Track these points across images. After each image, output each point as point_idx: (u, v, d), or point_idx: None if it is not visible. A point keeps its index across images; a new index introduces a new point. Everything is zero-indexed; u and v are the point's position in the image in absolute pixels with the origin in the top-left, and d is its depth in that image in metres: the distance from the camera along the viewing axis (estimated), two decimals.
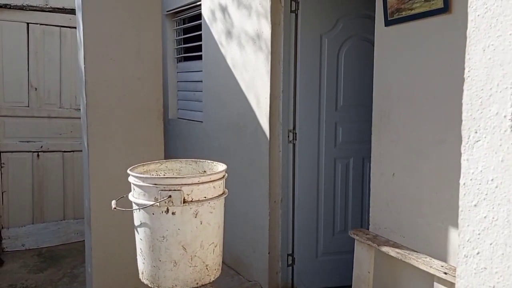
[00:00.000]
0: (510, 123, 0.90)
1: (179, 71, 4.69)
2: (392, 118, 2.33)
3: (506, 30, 0.91)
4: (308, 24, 3.14)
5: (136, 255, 1.98)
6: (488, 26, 0.94)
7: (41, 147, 4.39)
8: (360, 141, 3.21)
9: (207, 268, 1.92)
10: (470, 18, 0.98)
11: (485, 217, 0.96)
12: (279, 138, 3.21)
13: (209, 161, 2.17)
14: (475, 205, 0.99)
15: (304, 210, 3.26)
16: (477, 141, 0.97)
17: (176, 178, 1.85)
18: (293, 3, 3.12)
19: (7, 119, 4.27)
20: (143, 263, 1.93)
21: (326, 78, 3.21)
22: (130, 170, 1.94)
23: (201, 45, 4.04)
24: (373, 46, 2.45)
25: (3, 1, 4.11)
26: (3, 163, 4.27)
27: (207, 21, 3.91)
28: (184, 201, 1.80)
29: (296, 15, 3.13)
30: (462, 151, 1.01)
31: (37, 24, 4.30)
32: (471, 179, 0.99)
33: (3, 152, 4.26)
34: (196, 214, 1.84)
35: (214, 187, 1.89)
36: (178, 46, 4.68)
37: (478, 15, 0.96)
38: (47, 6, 4.29)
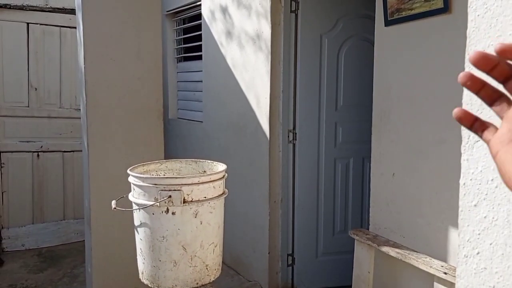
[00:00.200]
0: None
1: (179, 71, 4.69)
2: (392, 118, 2.33)
3: (506, 30, 0.91)
4: (308, 24, 3.14)
5: (136, 255, 1.98)
6: (488, 26, 0.94)
7: (41, 147, 4.39)
8: (360, 141, 3.21)
9: (207, 268, 1.92)
10: (470, 18, 0.98)
11: (485, 217, 0.96)
12: (279, 138, 3.21)
13: (209, 161, 2.17)
14: (475, 205, 0.99)
15: (304, 210, 3.26)
16: (477, 141, 0.97)
17: (176, 178, 1.85)
18: (293, 3, 3.12)
19: (7, 119, 4.27)
20: (143, 263, 1.93)
21: (326, 78, 3.21)
22: (130, 170, 1.94)
23: (201, 45, 4.04)
24: (373, 46, 2.45)
25: (3, 1, 4.11)
26: (3, 163, 4.27)
27: (207, 21, 3.91)
28: (184, 201, 1.80)
29: (296, 15, 3.13)
30: (462, 151, 1.01)
31: (37, 24, 4.30)
32: (471, 179, 0.99)
33: (3, 152, 4.26)
34: (196, 214, 1.84)
35: (214, 187, 1.89)
36: (178, 46, 4.68)
37: (478, 15, 0.96)
38: (47, 6, 4.29)
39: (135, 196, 1.90)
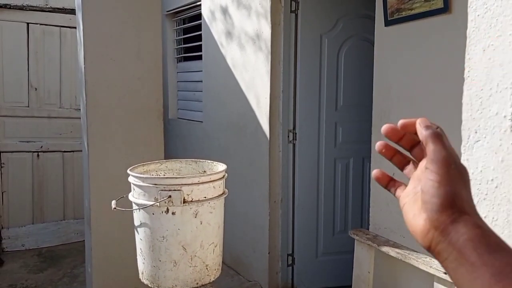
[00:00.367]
0: (510, 123, 0.90)
1: (179, 71, 4.69)
2: (392, 118, 2.33)
3: (506, 30, 0.91)
4: (308, 24, 3.14)
5: (136, 255, 1.98)
6: (488, 26, 0.94)
7: (41, 147, 4.39)
8: (360, 141, 3.21)
9: (207, 268, 1.92)
10: (470, 18, 0.98)
11: (485, 217, 0.96)
12: (279, 138, 3.21)
13: (209, 161, 2.17)
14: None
15: (304, 210, 3.26)
16: (477, 141, 0.97)
17: (176, 178, 1.85)
18: (293, 3, 3.12)
19: (7, 119, 4.27)
20: (143, 263, 1.93)
21: (326, 78, 3.21)
22: (130, 170, 1.94)
23: (201, 45, 4.04)
24: (373, 46, 2.45)
25: (3, 1, 4.11)
26: (3, 163, 4.27)
27: (207, 21, 3.91)
28: (184, 201, 1.80)
29: (296, 15, 3.13)
30: (462, 151, 1.01)
31: (37, 24, 4.29)
32: (471, 179, 0.99)
33: (3, 152, 4.26)
34: (196, 214, 1.84)
35: (214, 187, 1.89)
36: (178, 46, 4.68)
37: (478, 15, 0.96)
38: (47, 6, 4.29)
39: (135, 196, 1.90)
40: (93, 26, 2.65)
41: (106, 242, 2.73)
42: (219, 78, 3.76)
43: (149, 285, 1.93)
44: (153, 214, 1.83)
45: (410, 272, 2.22)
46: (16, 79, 4.26)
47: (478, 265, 0.41)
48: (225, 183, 2.01)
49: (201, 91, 4.11)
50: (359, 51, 3.23)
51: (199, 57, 4.11)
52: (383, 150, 0.58)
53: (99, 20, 2.66)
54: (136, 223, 1.92)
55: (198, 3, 4.08)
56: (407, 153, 0.58)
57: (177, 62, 4.73)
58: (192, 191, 1.82)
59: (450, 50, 1.99)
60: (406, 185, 0.58)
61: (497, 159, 0.93)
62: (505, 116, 0.91)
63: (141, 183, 1.85)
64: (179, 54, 4.68)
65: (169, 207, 1.81)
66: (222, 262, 2.07)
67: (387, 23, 2.30)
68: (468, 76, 0.99)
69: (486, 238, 0.43)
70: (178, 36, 4.68)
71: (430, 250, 0.51)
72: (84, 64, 2.64)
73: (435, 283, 2.01)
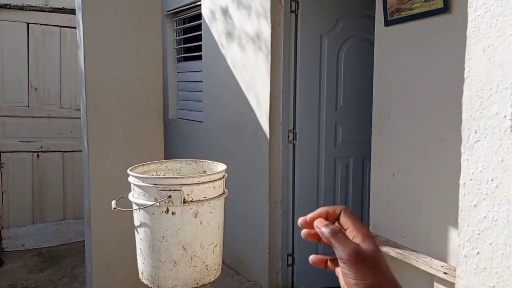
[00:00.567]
0: (510, 123, 0.90)
1: (179, 71, 4.69)
2: (392, 118, 2.33)
3: (506, 30, 0.91)
4: (308, 24, 3.14)
5: (136, 255, 1.98)
6: (488, 26, 0.94)
7: (41, 147, 4.39)
8: (360, 141, 3.21)
9: (207, 268, 1.92)
10: (470, 18, 0.98)
11: (485, 217, 0.96)
12: (279, 138, 3.21)
13: (209, 161, 2.17)
14: (475, 205, 0.99)
15: (304, 210, 3.24)
16: (477, 141, 0.97)
17: (176, 178, 1.85)
18: (293, 3, 3.12)
19: (7, 119, 4.27)
20: (143, 263, 1.93)
21: (326, 78, 3.21)
22: (130, 170, 1.94)
23: (201, 45, 4.04)
24: (373, 46, 2.45)
25: (3, 1, 4.11)
26: (3, 163, 4.27)
27: (207, 21, 3.91)
28: (184, 201, 1.80)
29: (296, 15, 3.13)
30: (462, 151, 1.01)
31: (37, 24, 4.30)
32: (471, 179, 0.99)
33: (3, 152, 4.26)
34: (196, 214, 1.84)
35: (214, 187, 1.89)
36: (178, 46, 4.68)
37: (478, 15, 0.96)
38: (47, 6, 4.29)
39: (135, 196, 1.90)
40: (93, 26, 2.65)
41: (106, 242, 2.73)
42: (219, 78, 3.76)
43: (149, 285, 1.93)
44: (153, 214, 1.83)
45: (410, 272, 2.22)
46: (16, 79, 4.26)
47: None
48: (225, 183, 2.01)
49: (201, 91, 4.11)
50: (359, 51, 3.23)
51: (199, 57, 4.11)
52: (309, 238, 0.62)
53: (99, 20, 2.66)
54: (136, 223, 1.92)
55: (198, 3, 4.08)
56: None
57: (177, 62, 4.73)
58: (192, 191, 1.82)
59: (450, 50, 1.99)
60: None
61: (497, 159, 0.93)
62: (505, 116, 0.91)
63: (141, 183, 1.85)
64: (179, 54, 4.68)
65: (169, 207, 1.81)
66: (222, 262, 2.07)
67: (387, 23, 2.30)
68: (468, 76, 0.99)
69: None
70: (178, 36, 4.68)
71: None
72: (84, 64, 2.64)
73: (435, 283, 2.01)
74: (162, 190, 1.80)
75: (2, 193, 4.28)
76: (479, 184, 0.97)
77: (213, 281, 1.97)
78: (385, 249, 2.25)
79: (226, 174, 2.00)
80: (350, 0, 3.21)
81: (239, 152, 3.53)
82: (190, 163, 2.18)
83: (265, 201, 3.25)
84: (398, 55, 2.28)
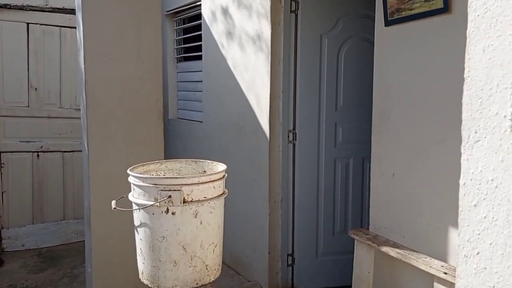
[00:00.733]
0: (510, 123, 0.90)
1: (179, 71, 4.69)
2: (392, 118, 2.33)
3: (506, 30, 0.91)
4: (308, 24, 3.14)
5: (136, 255, 1.98)
6: (488, 26, 0.94)
7: (41, 147, 4.39)
8: (360, 141, 3.21)
9: (207, 268, 1.92)
10: (470, 18, 0.98)
11: (485, 217, 0.96)
12: (279, 138, 3.21)
13: (209, 161, 2.17)
14: (475, 205, 0.99)
15: (304, 210, 3.26)
16: (477, 141, 0.97)
17: (176, 178, 1.85)
18: (293, 3, 3.12)
19: (7, 119, 4.27)
20: (143, 263, 1.93)
21: (326, 78, 3.21)
22: (130, 170, 1.94)
23: (201, 45, 4.04)
24: (373, 46, 2.45)
25: (3, 1, 4.11)
26: (3, 163, 4.27)
27: (207, 21, 3.91)
28: (184, 201, 1.80)
29: (296, 15, 3.13)
30: (462, 151, 1.01)
31: (37, 24, 4.30)
32: (471, 179, 0.99)
33: (3, 152, 4.26)
34: (196, 214, 1.84)
35: (214, 187, 1.89)
36: (178, 46, 4.68)
37: (478, 15, 0.96)
38: (47, 6, 4.29)
39: (135, 196, 1.90)
40: (93, 26, 2.65)
41: (106, 242, 2.73)
42: (219, 78, 3.76)
43: (149, 285, 1.93)
44: (153, 214, 1.83)
45: (410, 272, 2.23)
46: (16, 79, 4.26)
47: None
48: (225, 183, 2.01)
49: (201, 91, 4.11)
50: (359, 51, 3.23)
51: (199, 57, 4.11)
52: None
53: (99, 20, 2.66)
54: (136, 223, 1.92)
55: (198, 3, 4.08)
56: None
57: (177, 62, 4.73)
58: (192, 191, 1.82)
59: (450, 50, 1.99)
60: None
61: (497, 159, 0.93)
62: (505, 116, 0.91)
63: (141, 183, 1.85)
64: (179, 54, 4.68)
65: (169, 207, 1.81)
66: (222, 262, 2.07)
67: (387, 23, 2.30)
68: (468, 76, 0.99)
69: None
70: (178, 36, 4.68)
71: None
72: (84, 64, 2.64)
73: (435, 283, 2.01)
74: (162, 190, 1.80)
75: (2, 193, 4.28)
76: (479, 184, 0.97)
77: (213, 281, 1.97)
78: (385, 249, 2.25)
79: (226, 174, 2.00)
80: (350, 0, 3.21)
81: (239, 152, 3.53)
82: (190, 163, 2.18)
83: (265, 201, 3.25)
84: (398, 55, 2.28)
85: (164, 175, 2.12)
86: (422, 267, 2.05)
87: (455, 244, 1.97)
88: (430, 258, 2.09)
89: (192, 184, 1.82)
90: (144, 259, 1.91)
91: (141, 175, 1.89)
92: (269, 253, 3.27)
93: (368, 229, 2.52)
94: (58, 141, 4.45)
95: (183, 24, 4.61)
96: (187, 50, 4.57)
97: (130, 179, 1.92)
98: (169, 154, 4.27)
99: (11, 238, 4.29)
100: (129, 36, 2.74)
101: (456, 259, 1.84)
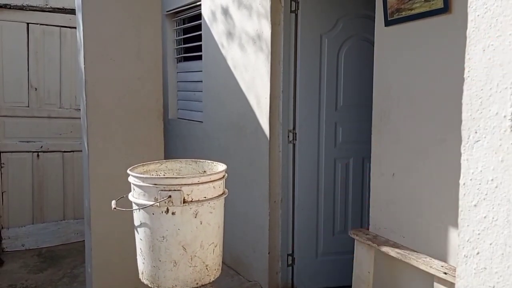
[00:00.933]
0: (510, 123, 0.90)
1: (179, 71, 4.69)
2: (392, 118, 2.33)
3: (506, 30, 0.91)
4: (308, 24, 3.14)
5: (136, 255, 1.98)
6: (488, 26, 0.94)
7: (41, 147, 4.39)
8: (360, 141, 3.21)
9: (207, 268, 1.92)
10: (470, 18, 0.98)
11: (485, 217, 0.96)
12: (279, 138, 3.21)
13: (209, 161, 2.17)
14: (475, 205, 0.99)
15: (304, 210, 3.26)
16: (477, 141, 0.97)
17: (176, 178, 1.85)
18: (293, 3, 3.12)
19: (7, 119, 4.27)
20: (143, 263, 1.93)
21: (326, 78, 3.21)
22: (130, 170, 1.94)
23: (201, 45, 4.04)
24: (373, 46, 2.45)
25: (3, 1, 4.11)
26: (3, 163, 4.27)
27: (207, 21, 3.91)
28: (184, 201, 1.80)
29: (296, 15, 3.13)
30: (462, 151, 1.01)
31: (37, 24, 4.30)
32: (471, 179, 0.99)
33: (3, 152, 4.26)
34: (196, 214, 1.84)
35: (214, 187, 1.89)
36: (178, 46, 4.68)
37: (478, 15, 0.96)
38: (47, 6, 4.29)
39: (135, 196, 1.90)
40: (93, 26, 2.65)
41: (106, 242, 2.73)
42: (219, 78, 3.76)
43: (149, 285, 1.93)
44: (153, 214, 1.83)
45: (410, 272, 2.23)
46: (16, 79, 4.26)
47: None
48: (225, 183, 2.01)
49: (201, 91, 4.11)
50: (359, 51, 3.23)
51: (199, 57, 4.11)
52: None
53: (99, 20, 2.66)
54: (136, 223, 1.92)
55: (198, 3, 4.08)
56: None
57: (177, 62, 4.73)
58: (192, 191, 1.82)
59: (450, 50, 1.99)
60: None
61: (497, 159, 0.93)
62: (505, 116, 0.91)
63: (141, 183, 1.85)
64: (179, 54, 4.68)
65: (169, 207, 1.81)
66: (222, 262, 2.07)
67: (387, 23, 2.30)
68: (468, 76, 0.99)
69: None
70: (178, 36, 4.68)
71: None
72: (84, 64, 2.64)
73: (435, 283, 2.01)
74: (162, 190, 1.80)
75: (2, 193, 4.28)
76: (479, 184, 0.97)
77: (213, 281, 1.97)
78: (385, 249, 2.25)
79: (226, 174, 2.00)
80: (350, 0, 3.21)
81: (239, 152, 3.53)
82: (190, 163, 2.19)
83: (265, 201, 3.25)
84: (398, 55, 2.28)
85: (164, 175, 2.12)
86: (422, 267, 2.05)
87: (455, 244, 1.97)
88: (430, 258, 2.09)
89: (192, 184, 1.82)
90: (144, 259, 1.91)
91: (141, 175, 1.89)
92: (269, 253, 3.27)
93: (368, 229, 2.52)
94: (58, 141, 4.45)
95: (183, 24, 4.61)
96: (187, 50, 4.57)
97: (130, 179, 1.92)
98: (169, 154, 4.27)
99: (11, 238, 4.29)
100: (129, 36, 2.74)
101: (456, 259, 1.84)
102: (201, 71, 4.08)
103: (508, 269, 0.93)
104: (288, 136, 3.22)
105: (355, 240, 2.46)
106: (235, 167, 3.43)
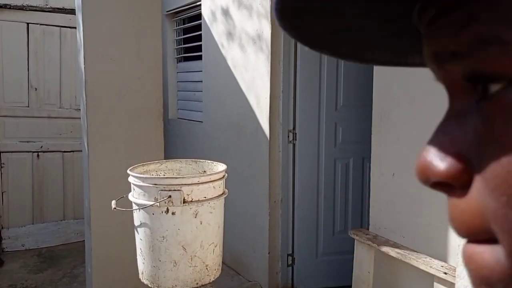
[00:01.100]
0: None
1: (179, 71, 4.69)
2: (392, 118, 2.33)
3: None
4: None
5: (136, 255, 1.98)
6: None
7: (41, 147, 4.39)
8: (360, 141, 3.21)
9: (207, 268, 1.92)
10: None
11: None
12: (279, 138, 3.21)
13: (209, 161, 2.17)
14: None
15: (304, 210, 3.26)
16: None
17: (176, 178, 1.85)
18: None
19: (7, 119, 4.27)
20: (143, 263, 1.93)
21: (326, 78, 3.21)
22: (130, 170, 1.94)
23: (201, 45, 4.04)
24: None
25: (3, 1, 4.11)
26: (3, 163, 4.27)
27: (207, 21, 3.91)
28: (184, 201, 1.80)
29: None
30: None
31: (37, 24, 4.29)
32: None
33: (3, 152, 4.26)
34: (196, 214, 1.84)
35: (214, 187, 1.89)
36: (178, 46, 4.68)
37: None
38: (47, 6, 4.29)
39: (135, 196, 1.90)
40: (93, 26, 2.65)
41: (106, 242, 2.73)
42: (219, 78, 3.76)
43: (149, 285, 1.93)
44: (153, 214, 1.83)
45: (410, 272, 2.23)
46: (16, 79, 4.26)
47: None
48: (225, 183, 2.01)
49: (201, 91, 4.11)
50: None
51: (199, 57, 4.11)
52: None
53: (99, 20, 2.66)
54: (136, 223, 1.92)
55: (198, 3, 4.08)
56: None
57: (177, 62, 4.73)
58: (192, 191, 1.82)
59: None
60: None
61: None
62: None
63: (141, 183, 1.85)
64: (179, 54, 4.67)
65: (169, 207, 1.81)
66: (222, 262, 2.07)
67: None
68: None
69: None
70: (178, 36, 4.68)
71: None
72: (84, 64, 2.64)
73: (435, 283, 2.01)
74: (162, 190, 1.80)
75: (2, 193, 4.28)
76: None
77: (213, 281, 1.97)
78: (385, 249, 2.25)
79: (226, 174, 2.00)
80: None
81: (239, 152, 3.53)
82: (190, 163, 2.19)
83: (265, 201, 3.25)
84: None
85: (164, 175, 2.12)
86: (422, 267, 2.05)
87: (455, 244, 1.97)
88: (430, 258, 2.09)
89: (192, 184, 1.82)
90: (144, 259, 1.91)
91: (141, 175, 1.89)
92: (269, 253, 3.27)
93: (368, 229, 2.52)
94: (58, 141, 4.45)
95: (183, 24, 4.61)
96: (187, 50, 4.57)
97: (130, 179, 1.92)
98: (169, 154, 4.26)
99: (11, 238, 4.29)
100: (129, 36, 2.74)
101: (456, 259, 1.84)
102: (201, 71, 4.08)
103: None
104: (288, 136, 3.22)
105: (355, 240, 2.46)
106: (235, 167, 3.43)
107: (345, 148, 3.30)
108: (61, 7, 4.33)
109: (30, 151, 4.37)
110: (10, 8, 4.15)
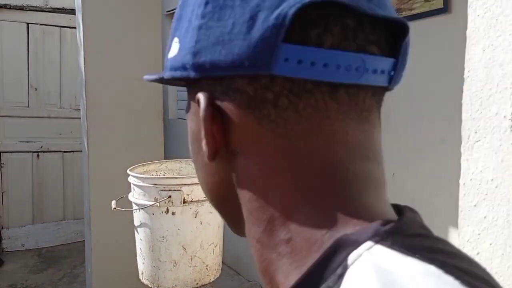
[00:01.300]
0: (510, 123, 0.90)
1: None
2: (392, 118, 2.33)
3: (506, 30, 0.91)
4: None
5: (136, 255, 1.98)
6: (488, 26, 0.94)
7: (41, 147, 4.39)
8: None
9: (207, 268, 1.92)
10: (470, 18, 0.98)
11: (485, 217, 0.96)
12: None
13: None
14: (475, 205, 0.99)
15: None
16: (477, 141, 0.97)
17: (176, 178, 1.85)
18: None
19: (7, 119, 4.27)
20: (143, 263, 1.93)
21: None
22: (130, 170, 1.94)
23: None
24: None
25: (3, 1, 4.11)
26: (3, 163, 4.27)
27: None
28: (184, 201, 1.80)
29: None
30: (462, 151, 1.01)
31: (37, 24, 4.30)
32: (471, 179, 0.99)
33: (3, 152, 4.26)
34: (196, 214, 1.84)
35: None
36: None
37: (478, 15, 0.96)
38: (47, 6, 4.29)
39: (135, 196, 1.90)
40: (93, 26, 2.65)
41: (106, 242, 2.74)
42: None
43: (149, 285, 1.93)
44: (153, 214, 1.83)
45: None
46: (16, 79, 4.26)
47: None
48: None
49: None
50: None
51: None
52: None
53: (99, 20, 2.66)
54: (136, 223, 1.92)
55: None
56: None
57: None
58: (192, 191, 1.82)
59: (450, 50, 1.99)
60: None
61: (497, 159, 0.93)
62: (505, 116, 0.91)
63: (141, 183, 1.85)
64: None
65: (169, 207, 1.81)
66: (222, 262, 2.07)
67: None
68: (468, 76, 0.99)
69: None
70: None
71: None
72: (84, 64, 2.64)
73: None
74: (162, 190, 1.80)
75: (2, 193, 4.28)
76: (479, 184, 0.97)
77: (213, 281, 1.97)
78: None
79: None
80: None
81: None
82: (190, 163, 2.19)
83: None
84: None
85: (164, 175, 2.12)
86: None
87: (455, 244, 1.97)
88: None
89: (192, 184, 1.82)
90: (144, 259, 1.91)
91: (141, 175, 1.89)
92: None
93: None
94: (58, 141, 4.45)
95: None
96: None
97: (130, 179, 1.92)
98: (169, 154, 4.26)
99: (11, 238, 4.29)
100: (129, 36, 2.74)
101: None
102: None
103: (508, 269, 0.93)
104: None
105: None
106: None
107: None
108: (61, 7, 4.34)
109: (30, 151, 4.37)
110: (10, 8, 4.16)
